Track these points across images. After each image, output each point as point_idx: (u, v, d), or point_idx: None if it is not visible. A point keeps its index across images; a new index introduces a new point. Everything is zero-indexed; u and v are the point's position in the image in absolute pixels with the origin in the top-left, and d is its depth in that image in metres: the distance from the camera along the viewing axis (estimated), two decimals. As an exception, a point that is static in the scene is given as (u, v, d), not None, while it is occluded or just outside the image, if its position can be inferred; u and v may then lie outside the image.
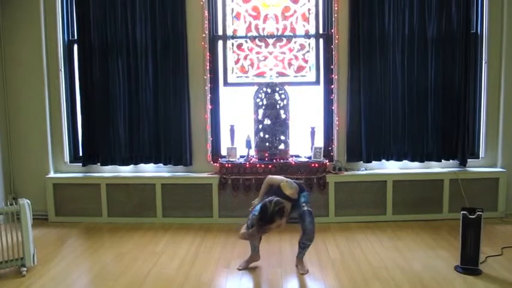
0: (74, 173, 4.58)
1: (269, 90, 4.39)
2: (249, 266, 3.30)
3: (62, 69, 4.54)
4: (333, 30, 4.39)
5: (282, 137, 4.39)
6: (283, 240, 3.80)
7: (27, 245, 3.17)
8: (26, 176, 4.58)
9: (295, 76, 4.53)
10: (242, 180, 4.33)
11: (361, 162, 4.43)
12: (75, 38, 4.49)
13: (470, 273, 3.06)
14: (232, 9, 4.50)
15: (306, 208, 3.09)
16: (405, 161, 4.44)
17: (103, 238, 4.02)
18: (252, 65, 4.53)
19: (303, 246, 3.19)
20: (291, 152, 4.43)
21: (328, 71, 4.46)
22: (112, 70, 4.38)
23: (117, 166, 4.51)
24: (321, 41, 4.48)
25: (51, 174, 4.56)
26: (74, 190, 4.48)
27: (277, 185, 3.14)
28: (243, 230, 3.16)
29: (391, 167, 4.49)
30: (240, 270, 3.26)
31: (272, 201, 2.91)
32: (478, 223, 3.06)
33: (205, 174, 4.43)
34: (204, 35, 4.39)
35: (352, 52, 4.31)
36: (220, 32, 4.53)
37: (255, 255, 3.34)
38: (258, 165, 4.30)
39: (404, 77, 4.32)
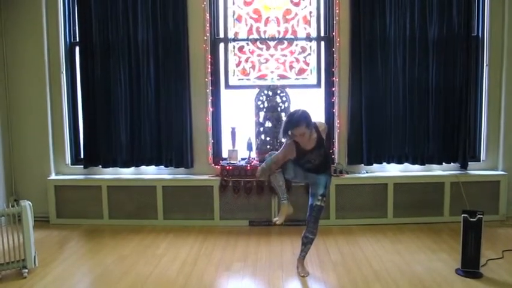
0: (75, 175, 4.58)
1: (270, 93, 4.40)
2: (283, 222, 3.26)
3: (64, 72, 4.55)
4: (334, 33, 4.40)
5: (283, 140, 4.39)
6: (284, 243, 3.80)
7: (29, 247, 3.17)
8: (28, 177, 4.59)
9: (297, 79, 4.53)
10: (243, 183, 4.32)
11: (362, 164, 4.43)
12: (77, 40, 4.50)
13: (471, 276, 3.06)
14: (234, 12, 4.51)
15: (318, 203, 3.10)
16: (406, 164, 4.44)
17: (104, 240, 4.02)
18: (253, 67, 4.54)
19: (305, 242, 3.17)
20: (292, 154, 4.43)
21: (329, 73, 4.47)
22: (113, 72, 4.39)
23: (118, 168, 4.51)
24: (322, 43, 4.49)
25: (53, 176, 4.56)
26: (75, 192, 4.48)
27: None
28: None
29: (392, 170, 4.49)
30: (277, 224, 3.25)
31: (301, 110, 2.98)
32: (478, 226, 3.06)
33: (206, 177, 4.43)
34: (205, 38, 4.40)
35: (353, 55, 4.31)
36: (221, 35, 4.54)
37: (285, 205, 3.21)
38: (259, 168, 4.29)
39: (406, 80, 4.32)
